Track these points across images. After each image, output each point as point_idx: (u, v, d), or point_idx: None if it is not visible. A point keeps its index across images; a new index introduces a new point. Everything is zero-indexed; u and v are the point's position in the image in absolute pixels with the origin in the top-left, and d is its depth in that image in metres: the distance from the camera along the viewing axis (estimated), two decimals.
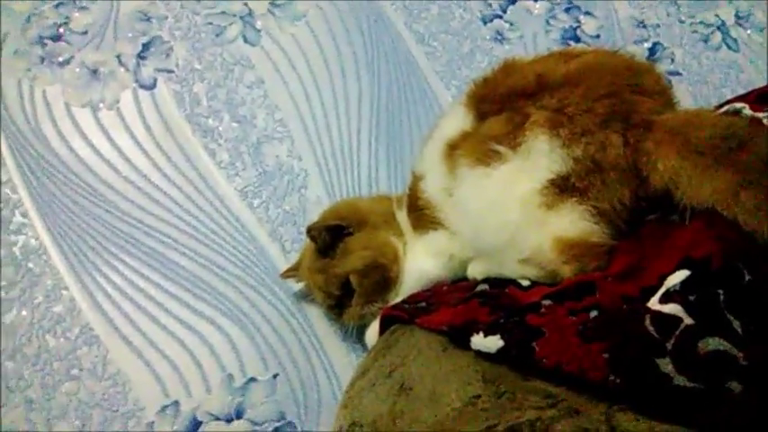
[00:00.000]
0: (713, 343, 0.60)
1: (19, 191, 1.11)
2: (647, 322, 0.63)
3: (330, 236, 0.98)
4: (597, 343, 0.63)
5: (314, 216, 1.13)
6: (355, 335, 1.05)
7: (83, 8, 1.26)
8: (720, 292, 0.63)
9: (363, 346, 1.02)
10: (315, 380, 1.05)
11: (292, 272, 1.08)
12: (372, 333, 0.94)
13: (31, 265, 1.07)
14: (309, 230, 1.00)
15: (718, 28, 1.43)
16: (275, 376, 1.04)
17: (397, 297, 0.97)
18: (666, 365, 0.60)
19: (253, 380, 1.03)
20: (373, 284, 0.97)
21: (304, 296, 1.10)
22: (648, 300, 0.68)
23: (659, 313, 0.63)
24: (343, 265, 0.98)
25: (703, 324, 0.62)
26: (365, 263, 0.97)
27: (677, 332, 0.61)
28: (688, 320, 0.62)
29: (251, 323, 1.07)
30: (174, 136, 1.18)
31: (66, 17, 1.25)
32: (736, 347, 0.60)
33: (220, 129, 1.20)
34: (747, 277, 0.64)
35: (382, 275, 0.97)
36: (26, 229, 1.09)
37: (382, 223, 1.01)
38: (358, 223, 1.00)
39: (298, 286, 1.11)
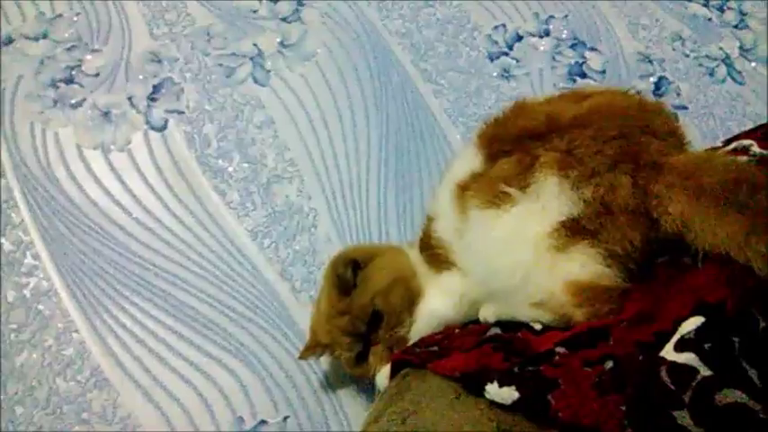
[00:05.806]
0: (731, 395, 0.60)
1: (30, 233, 1.12)
2: (664, 373, 0.62)
3: (351, 271, 0.97)
4: (614, 395, 0.62)
5: (324, 256, 1.14)
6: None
7: (95, 51, 1.29)
8: (736, 340, 0.63)
9: (374, 388, 1.01)
10: (325, 422, 1.04)
11: (309, 349, 1.03)
12: (383, 376, 0.93)
13: (41, 307, 1.08)
14: (336, 270, 0.98)
15: (723, 61, 1.43)
16: (285, 419, 1.04)
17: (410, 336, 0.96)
18: (684, 418, 0.60)
19: (263, 422, 1.03)
20: (399, 299, 0.95)
21: (333, 371, 1.08)
22: (663, 346, 0.67)
23: (675, 364, 0.63)
24: (365, 292, 0.96)
25: (720, 375, 0.61)
26: (387, 280, 0.96)
27: (694, 384, 0.61)
28: (705, 371, 0.61)
29: (261, 365, 1.06)
30: (184, 177, 1.19)
31: (79, 60, 1.27)
32: (754, 400, 0.59)
33: (230, 169, 1.21)
34: (762, 324, 0.64)
35: (405, 288, 0.96)
36: (37, 271, 1.10)
37: (394, 255, 1.01)
38: (370, 257, 1.00)
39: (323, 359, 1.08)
